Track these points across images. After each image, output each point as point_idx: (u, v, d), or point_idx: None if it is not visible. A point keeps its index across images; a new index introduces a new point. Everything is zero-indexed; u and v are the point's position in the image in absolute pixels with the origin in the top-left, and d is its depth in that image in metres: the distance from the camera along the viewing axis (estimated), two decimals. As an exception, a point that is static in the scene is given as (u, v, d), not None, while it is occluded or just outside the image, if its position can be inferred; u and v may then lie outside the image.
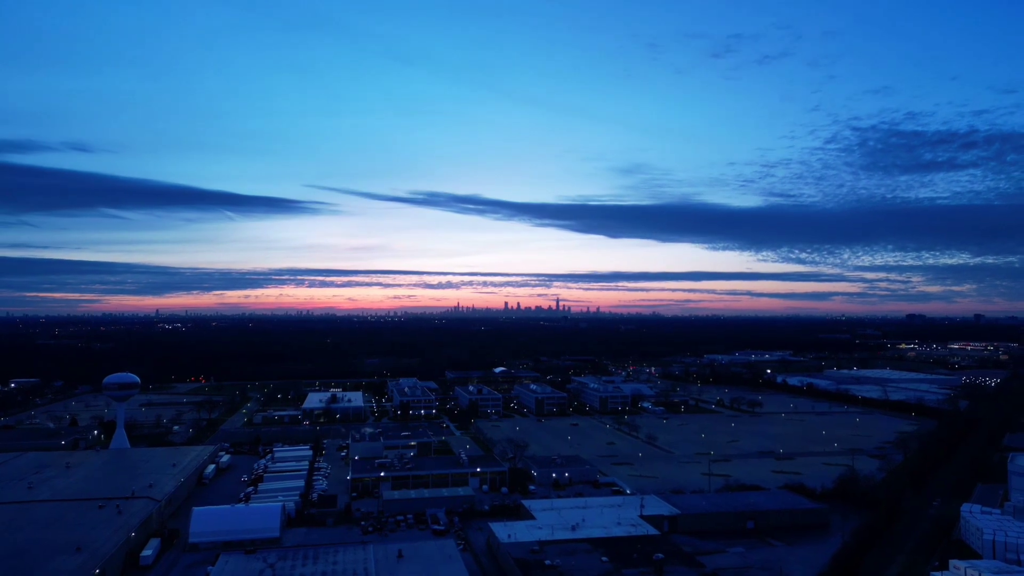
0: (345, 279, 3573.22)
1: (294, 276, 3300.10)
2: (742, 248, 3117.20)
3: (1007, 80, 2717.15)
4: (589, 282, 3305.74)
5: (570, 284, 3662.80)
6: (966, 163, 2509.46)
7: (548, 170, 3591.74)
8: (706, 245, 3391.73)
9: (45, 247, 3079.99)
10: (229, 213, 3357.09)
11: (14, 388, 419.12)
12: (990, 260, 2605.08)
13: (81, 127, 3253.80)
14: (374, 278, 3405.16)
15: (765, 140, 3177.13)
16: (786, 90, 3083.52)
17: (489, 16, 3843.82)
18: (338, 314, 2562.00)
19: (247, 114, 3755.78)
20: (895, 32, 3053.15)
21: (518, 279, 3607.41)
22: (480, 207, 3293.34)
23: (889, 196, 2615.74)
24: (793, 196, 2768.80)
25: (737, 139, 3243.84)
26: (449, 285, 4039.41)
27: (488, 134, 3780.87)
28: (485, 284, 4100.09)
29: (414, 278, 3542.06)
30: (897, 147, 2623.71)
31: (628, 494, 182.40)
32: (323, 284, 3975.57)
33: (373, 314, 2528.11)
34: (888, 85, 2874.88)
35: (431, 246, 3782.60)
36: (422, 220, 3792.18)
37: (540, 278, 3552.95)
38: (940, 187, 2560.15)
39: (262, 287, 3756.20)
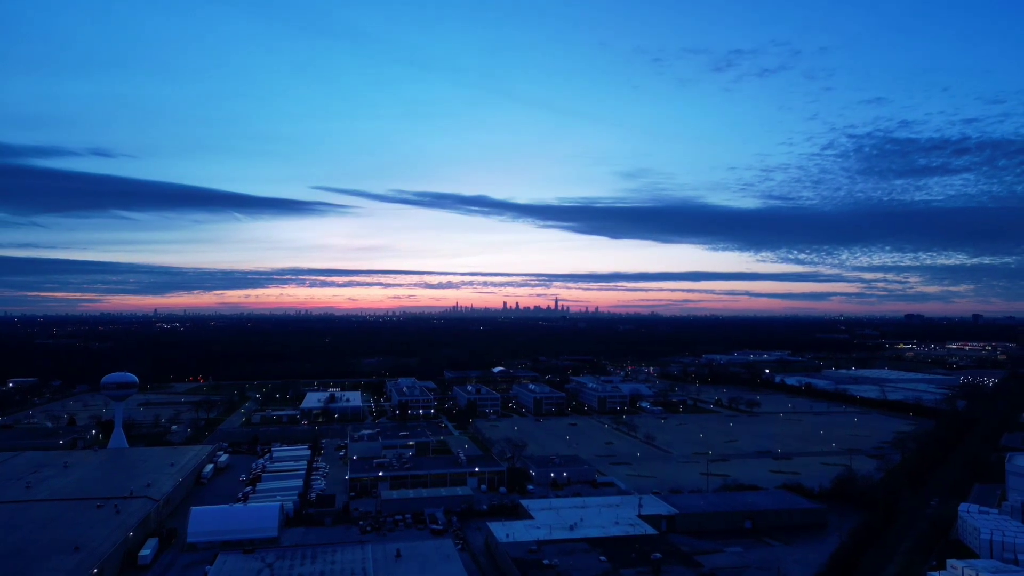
0: (346, 279, 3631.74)
1: (296, 276, 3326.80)
2: (741, 249, 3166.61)
3: (995, 91, 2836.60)
4: (588, 282, 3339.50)
5: (569, 284, 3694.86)
6: (959, 168, 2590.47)
7: (554, 173, 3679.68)
8: (706, 246, 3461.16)
9: (51, 247, 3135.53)
10: (237, 215, 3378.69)
11: (12, 387, 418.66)
12: (987, 261, 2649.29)
13: (104, 132, 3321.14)
14: (375, 278, 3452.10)
15: (764, 146, 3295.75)
16: (784, 100, 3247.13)
17: (502, 25, 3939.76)
18: (336, 314, 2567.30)
19: (262, 117, 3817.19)
20: (887, 48, 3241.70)
21: (518, 279, 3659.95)
22: (485, 209, 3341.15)
23: (885, 199, 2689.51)
24: (791, 199, 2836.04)
25: (737, 145, 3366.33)
26: (449, 285, 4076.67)
27: (497, 137, 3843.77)
28: (485, 284, 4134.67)
29: (414, 278, 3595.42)
30: (892, 153, 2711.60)
31: (626, 494, 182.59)
32: (324, 284, 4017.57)
33: (372, 314, 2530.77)
34: (881, 96, 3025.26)
35: (435, 246, 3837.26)
36: (427, 221, 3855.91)
37: (540, 278, 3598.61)
38: (935, 190, 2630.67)
39: (263, 287, 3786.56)
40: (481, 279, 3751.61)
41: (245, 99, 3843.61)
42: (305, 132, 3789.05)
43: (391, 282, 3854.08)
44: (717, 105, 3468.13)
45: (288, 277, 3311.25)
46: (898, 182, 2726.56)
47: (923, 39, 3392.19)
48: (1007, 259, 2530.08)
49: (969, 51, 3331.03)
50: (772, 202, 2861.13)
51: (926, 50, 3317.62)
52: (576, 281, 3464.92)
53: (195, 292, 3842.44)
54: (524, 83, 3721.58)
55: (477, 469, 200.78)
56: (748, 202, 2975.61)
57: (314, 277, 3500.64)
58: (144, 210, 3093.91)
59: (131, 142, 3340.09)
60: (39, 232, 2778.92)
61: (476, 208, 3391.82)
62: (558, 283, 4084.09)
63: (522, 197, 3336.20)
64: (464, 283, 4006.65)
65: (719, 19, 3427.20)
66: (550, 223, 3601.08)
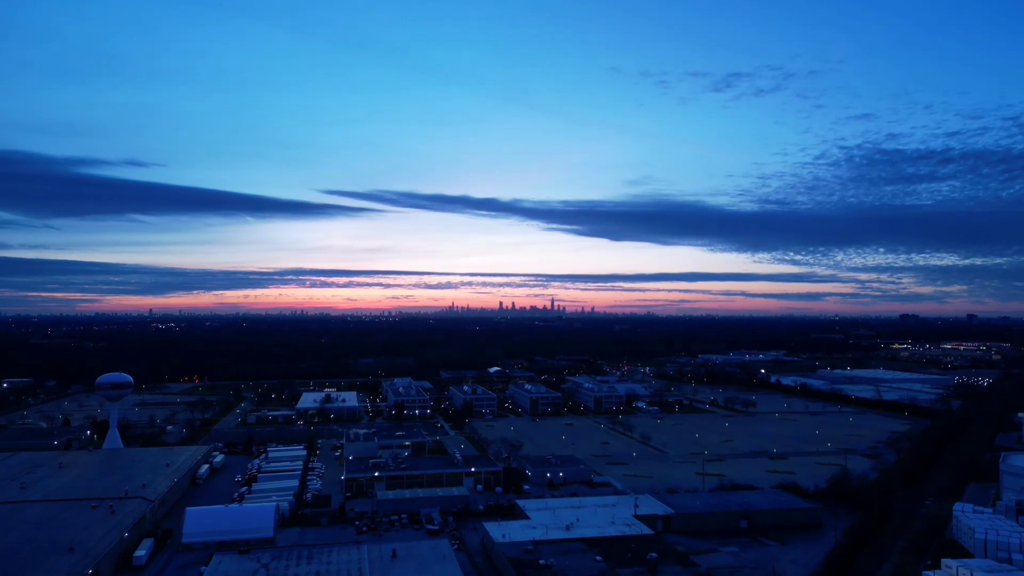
0: (346, 279, 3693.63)
1: (297, 276, 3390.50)
2: (738, 250, 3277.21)
3: (973, 109, 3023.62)
4: (587, 283, 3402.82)
5: (567, 285, 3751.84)
6: (945, 175, 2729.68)
7: (562, 178, 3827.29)
8: (703, 247, 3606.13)
9: (60, 248, 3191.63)
10: (248, 217, 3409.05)
11: (7, 388, 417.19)
12: (978, 262, 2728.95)
13: (137, 141, 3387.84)
14: (375, 279, 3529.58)
15: (760, 156, 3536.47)
16: (778, 116, 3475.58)
17: (520, 46, 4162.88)
18: (332, 314, 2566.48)
19: (286, 124, 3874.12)
20: (872, 71, 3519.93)
21: (517, 279, 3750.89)
22: (493, 212, 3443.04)
23: (877, 204, 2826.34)
24: (787, 203, 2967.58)
25: (735, 156, 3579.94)
26: (448, 286, 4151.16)
27: (509, 144, 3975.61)
28: (484, 285, 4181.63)
29: (414, 278, 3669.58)
30: (881, 162, 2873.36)
31: (622, 493, 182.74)
32: (324, 284, 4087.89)
33: (368, 314, 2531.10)
34: (869, 113, 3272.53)
35: (439, 247, 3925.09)
36: (434, 223, 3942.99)
37: (539, 279, 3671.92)
38: (924, 196, 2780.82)
39: (263, 287, 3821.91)
40: (480, 280, 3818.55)
41: (270, 108, 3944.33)
42: (325, 138, 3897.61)
43: (391, 283, 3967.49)
44: (716, 121, 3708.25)
45: (289, 278, 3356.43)
46: (888, 188, 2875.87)
47: (905, 64, 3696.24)
48: (998, 260, 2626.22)
49: (948, 74, 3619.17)
50: (768, 206, 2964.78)
51: (908, 73, 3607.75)
52: (574, 282, 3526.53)
53: (195, 292, 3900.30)
54: (539, 94, 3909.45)
55: (473, 469, 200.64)
56: (745, 206, 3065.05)
57: (314, 278, 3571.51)
58: (160, 214, 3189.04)
59: (161, 151, 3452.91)
60: (50, 234, 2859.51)
61: (484, 211, 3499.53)
62: (556, 283, 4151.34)
63: (530, 201, 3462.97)
64: (463, 283, 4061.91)
65: (719, 47, 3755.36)
66: (554, 225, 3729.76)
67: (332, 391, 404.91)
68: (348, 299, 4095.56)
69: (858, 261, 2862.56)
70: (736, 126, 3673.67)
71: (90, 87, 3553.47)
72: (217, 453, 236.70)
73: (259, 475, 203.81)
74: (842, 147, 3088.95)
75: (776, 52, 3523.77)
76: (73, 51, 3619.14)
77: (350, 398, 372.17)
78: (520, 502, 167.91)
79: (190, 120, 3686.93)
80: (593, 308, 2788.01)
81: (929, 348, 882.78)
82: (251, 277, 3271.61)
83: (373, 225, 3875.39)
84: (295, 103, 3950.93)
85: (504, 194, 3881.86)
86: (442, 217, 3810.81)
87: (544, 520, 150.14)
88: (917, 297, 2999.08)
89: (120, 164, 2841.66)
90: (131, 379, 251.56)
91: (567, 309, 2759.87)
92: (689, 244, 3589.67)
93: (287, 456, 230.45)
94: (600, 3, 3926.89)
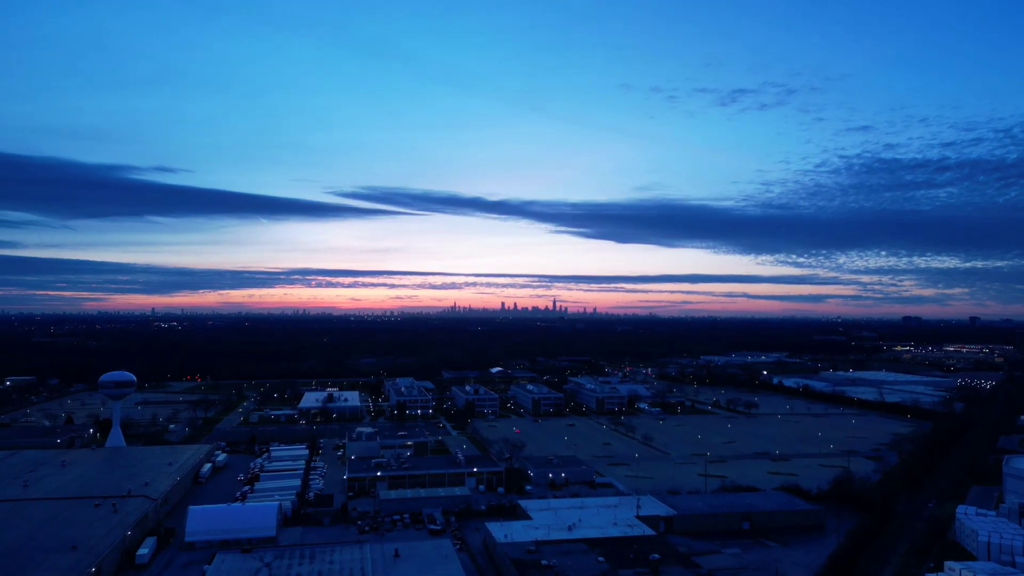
0: (352, 280, 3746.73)
1: (303, 276, 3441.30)
2: (742, 252, 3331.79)
3: (966, 122, 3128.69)
4: (590, 283, 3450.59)
5: (571, 285, 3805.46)
6: (943, 183, 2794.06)
7: (572, 183, 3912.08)
8: (707, 250, 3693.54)
9: (75, 247, 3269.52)
10: (263, 220, 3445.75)
11: (10, 386, 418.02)
12: (979, 265, 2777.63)
13: (168, 148, 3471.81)
14: (381, 279, 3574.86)
15: (763, 164, 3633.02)
16: (781, 128, 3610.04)
17: (536, 53, 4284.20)
18: (335, 314, 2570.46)
19: (309, 130, 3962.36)
20: (869, 88, 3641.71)
21: (521, 280, 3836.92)
22: (503, 216, 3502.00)
23: (877, 209, 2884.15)
24: (789, 208, 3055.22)
25: (739, 163, 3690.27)
26: (453, 286, 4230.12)
27: (521, 147, 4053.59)
28: (489, 285, 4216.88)
29: (419, 279, 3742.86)
30: (880, 170, 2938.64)
31: (624, 494, 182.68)
32: (329, 284, 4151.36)
33: (371, 314, 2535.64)
34: (867, 125, 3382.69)
35: (447, 248, 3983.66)
36: (445, 225, 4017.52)
37: (542, 280, 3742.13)
38: (922, 202, 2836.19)
39: (269, 287, 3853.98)
40: (485, 280, 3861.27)
41: (292, 113, 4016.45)
42: (344, 142, 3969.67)
43: (396, 283, 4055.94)
44: (722, 132, 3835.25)
45: (296, 278, 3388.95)
46: (887, 194, 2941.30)
47: (902, 81, 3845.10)
48: (999, 263, 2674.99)
49: (943, 89, 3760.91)
50: (771, 211, 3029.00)
51: (904, 89, 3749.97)
52: (578, 283, 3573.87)
53: (200, 292, 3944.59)
54: (554, 103, 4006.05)
55: (475, 469, 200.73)
56: (749, 210, 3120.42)
57: (320, 277, 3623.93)
58: (179, 215, 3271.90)
59: (190, 156, 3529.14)
60: (66, 234, 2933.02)
61: (495, 214, 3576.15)
62: (559, 284, 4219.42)
63: (540, 203, 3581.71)
64: (467, 284, 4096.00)
65: (724, 66, 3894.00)
66: (563, 228, 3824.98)
67: (334, 391, 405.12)
68: (352, 299, 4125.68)
69: (860, 264, 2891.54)
70: (740, 137, 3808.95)
71: (124, 95, 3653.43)
72: (219, 452, 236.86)
73: (261, 474, 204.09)
74: (842, 156, 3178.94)
75: (778, 70, 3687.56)
76: (113, 60, 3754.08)
77: (352, 398, 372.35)
78: (522, 502, 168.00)
79: (216, 126, 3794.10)
80: (595, 309, 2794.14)
81: (932, 350, 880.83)
82: (258, 277, 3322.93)
83: (384, 227, 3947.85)
84: (317, 108, 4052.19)
85: (516, 196, 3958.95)
86: (452, 219, 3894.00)
87: (546, 520, 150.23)
88: (919, 299, 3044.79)
89: (150, 170, 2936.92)
90: (134, 378, 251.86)
91: (569, 310, 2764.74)
92: (693, 247, 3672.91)
93: (289, 455, 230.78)
94: (613, 24, 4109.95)
